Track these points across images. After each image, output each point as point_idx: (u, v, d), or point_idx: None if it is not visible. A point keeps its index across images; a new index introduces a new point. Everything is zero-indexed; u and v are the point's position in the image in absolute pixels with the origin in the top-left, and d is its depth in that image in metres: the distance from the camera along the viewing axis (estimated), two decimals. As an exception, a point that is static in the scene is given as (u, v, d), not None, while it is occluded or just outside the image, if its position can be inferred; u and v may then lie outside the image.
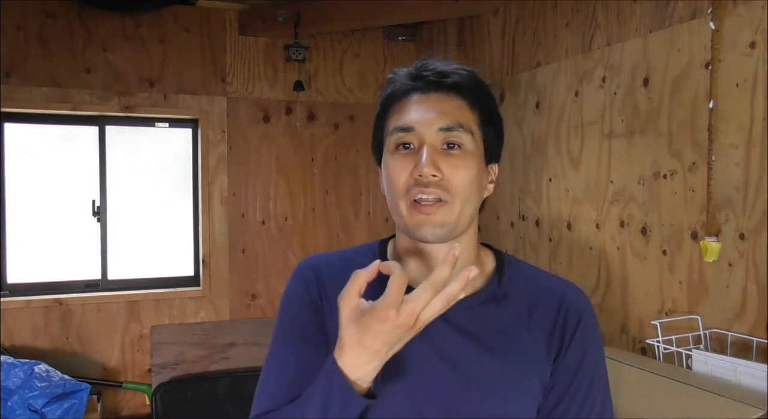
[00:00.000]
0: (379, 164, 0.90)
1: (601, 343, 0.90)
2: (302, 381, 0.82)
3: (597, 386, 0.86)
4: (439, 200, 0.81)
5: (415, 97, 0.85)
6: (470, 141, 0.84)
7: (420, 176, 0.80)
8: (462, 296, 0.79)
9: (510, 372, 0.84)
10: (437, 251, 0.86)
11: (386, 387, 0.86)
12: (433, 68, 0.86)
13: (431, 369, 0.85)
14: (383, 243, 0.97)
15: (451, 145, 0.83)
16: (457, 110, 0.84)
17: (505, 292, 0.89)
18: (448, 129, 0.83)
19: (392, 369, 0.86)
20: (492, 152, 0.89)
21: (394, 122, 0.85)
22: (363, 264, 0.92)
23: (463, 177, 0.82)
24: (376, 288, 0.90)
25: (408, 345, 0.86)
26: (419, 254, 0.88)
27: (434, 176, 0.80)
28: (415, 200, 0.81)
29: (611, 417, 0.88)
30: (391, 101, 0.87)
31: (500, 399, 0.83)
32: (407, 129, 0.83)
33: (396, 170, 0.83)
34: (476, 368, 0.84)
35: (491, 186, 0.91)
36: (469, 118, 0.85)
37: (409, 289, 0.88)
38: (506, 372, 0.84)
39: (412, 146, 0.83)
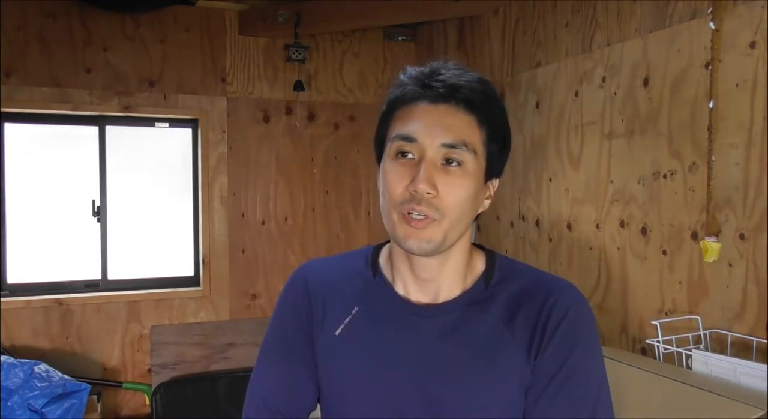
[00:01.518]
0: (378, 163, 0.90)
1: (593, 343, 0.86)
2: (282, 396, 0.94)
3: (584, 388, 0.83)
4: (429, 218, 0.80)
5: (423, 106, 0.83)
6: (472, 160, 0.82)
7: (415, 191, 0.80)
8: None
9: (488, 376, 0.84)
10: (425, 262, 0.87)
11: (365, 390, 0.87)
12: (444, 79, 0.82)
13: (410, 371, 0.85)
14: (377, 249, 0.97)
15: (451, 161, 0.81)
16: (465, 126, 0.82)
17: (490, 295, 0.88)
18: (451, 146, 0.81)
19: (371, 372, 0.87)
20: (494, 168, 0.87)
21: (398, 127, 0.84)
22: (356, 271, 0.95)
23: (457, 197, 0.81)
24: (363, 294, 0.92)
25: (388, 348, 0.87)
26: (410, 263, 0.88)
27: (428, 193, 0.80)
28: (406, 214, 0.81)
29: None
30: (398, 105, 0.85)
31: (478, 402, 0.83)
32: (409, 139, 0.82)
33: (393, 180, 0.82)
34: (455, 371, 0.84)
35: (487, 202, 0.89)
36: (475, 136, 0.83)
37: (403, 300, 0.90)
38: (484, 375, 0.84)
39: (411, 156, 0.82)
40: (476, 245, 0.94)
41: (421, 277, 0.88)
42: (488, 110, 0.84)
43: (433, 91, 0.82)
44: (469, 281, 0.90)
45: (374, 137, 0.91)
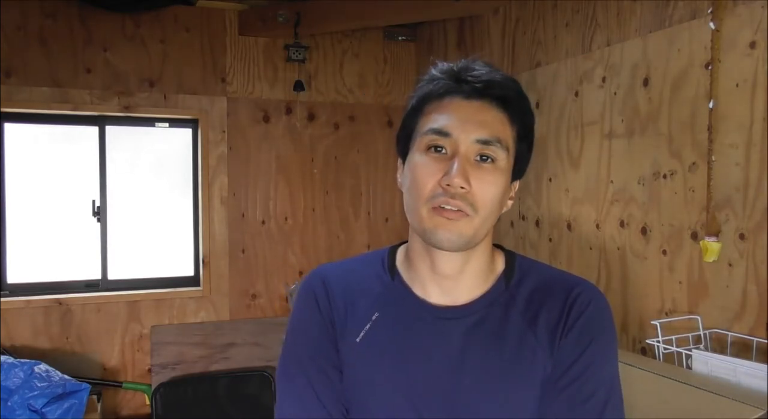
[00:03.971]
0: (402, 157, 0.88)
1: (610, 341, 0.86)
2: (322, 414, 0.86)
3: (593, 386, 0.82)
4: (461, 211, 0.79)
5: (456, 100, 0.82)
6: (504, 157, 0.82)
7: (448, 185, 0.78)
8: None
9: (514, 375, 0.83)
10: (448, 259, 0.85)
11: (388, 397, 0.86)
12: (478, 75, 0.82)
13: (433, 371, 0.85)
14: (392, 251, 0.95)
15: (484, 157, 0.81)
16: (498, 123, 0.82)
17: (511, 295, 0.87)
18: (486, 142, 0.80)
19: (395, 378, 0.86)
20: (520, 168, 0.87)
21: (431, 122, 0.82)
22: (373, 275, 0.93)
23: (489, 193, 0.80)
24: (381, 299, 0.91)
25: (411, 353, 0.86)
26: (431, 261, 0.87)
27: (462, 188, 0.78)
28: (438, 206, 0.80)
29: None
30: (429, 98, 0.84)
31: (502, 402, 0.83)
32: (443, 133, 0.80)
33: (424, 174, 0.81)
34: (478, 371, 0.84)
35: (510, 203, 0.89)
36: (508, 133, 0.83)
37: (423, 303, 0.88)
38: (509, 375, 0.83)
39: (444, 151, 0.81)
40: (495, 245, 0.93)
41: (442, 276, 0.86)
42: (520, 108, 0.84)
43: (468, 86, 0.82)
44: (490, 281, 0.88)
45: (398, 132, 0.89)
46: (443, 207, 0.79)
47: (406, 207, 0.85)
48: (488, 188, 0.80)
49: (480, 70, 0.83)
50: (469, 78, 0.82)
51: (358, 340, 0.88)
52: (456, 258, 0.85)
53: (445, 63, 0.86)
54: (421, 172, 0.81)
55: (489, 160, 0.81)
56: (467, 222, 0.80)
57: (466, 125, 0.80)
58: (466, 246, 0.82)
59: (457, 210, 0.79)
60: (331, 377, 0.89)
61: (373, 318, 0.89)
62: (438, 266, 0.86)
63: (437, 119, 0.81)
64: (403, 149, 0.88)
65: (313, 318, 0.92)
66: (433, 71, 0.86)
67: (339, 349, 0.90)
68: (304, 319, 0.93)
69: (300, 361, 0.90)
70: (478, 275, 0.88)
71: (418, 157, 0.83)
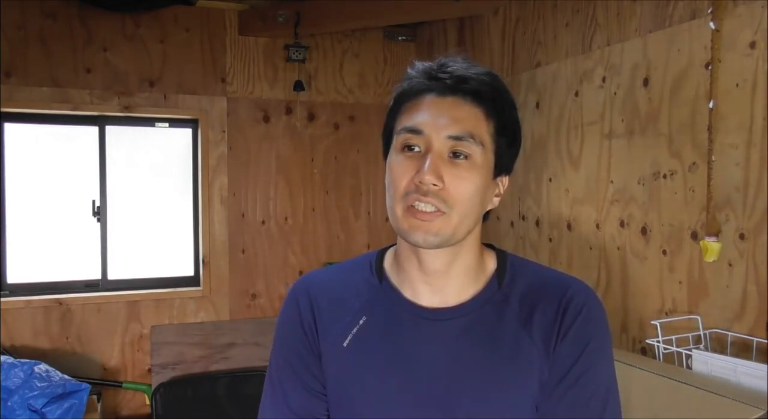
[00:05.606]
0: (386, 157, 0.88)
1: (606, 341, 0.85)
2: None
3: (593, 388, 0.82)
4: (437, 211, 0.79)
5: (429, 98, 0.82)
6: (479, 153, 0.80)
7: (420, 182, 0.78)
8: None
9: (509, 376, 0.83)
10: (434, 257, 0.84)
11: (378, 401, 0.86)
12: (451, 71, 0.82)
13: (425, 373, 0.84)
14: (380, 254, 0.94)
15: (458, 154, 0.80)
16: (472, 117, 0.81)
17: (504, 295, 0.86)
18: (458, 138, 0.79)
19: (384, 382, 0.85)
20: (503, 164, 0.85)
21: (405, 121, 0.82)
22: (360, 279, 0.92)
23: (464, 189, 0.79)
24: (369, 303, 0.90)
25: (401, 356, 0.85)
26: (418, 259, 0.86)
27: (435, 185, 0.78)
28: (411, 206, 0.79)
29: None
30: (405, 98, 0.84)
31: (498, 402, 0.82)
32: (415, 131, 0.80)
33: (398, 172, 0.81)
34: (474, 372, 0.83)
35: (497, 200, 0.87)
36: (483, 128, 0.81)
37: (413, 305, 0.87)
38: (505, 375, 0.83)
39: (418, 149, 0.80)
40: (486, 245, 0.92)
41: (430, 274, 0.86)
42: (496, 102, 0.83)
43: (440, 83, 0.81)
44: (482, 282, 0.88)
45: (381, 132, 0.89)
46: (415, 207, 0.79)
47: (387, 206, 0.85)
48: (463, 185, 0.79)
49: (455, 66, 0.82)
50: (442, 75, 0.82)
51: (345, 344, 0.88)
52: (442, 255, 0.84)
53: (423, 62, 0.86)
54: (396, 171, 0.81)
55: (462, 156, 0.80)
56: (444, 220, 0.79)
57: (438, 122, 0.79)
58: (447, 243, 0.81)
59: (433, 211, 0.78)
60: (305, 383, 0.90)
61: (361, 322, 0.88)
62: (425, 263, 0.86)
63: (411, 118, 0.81)
64: (385, 149, 0.88)
65: (293, 328, 0.92)
66: (409, 70, 0.86)
67: (324, 356, 0.89)
68: (285, 328, 0.94)
69: (278, 366, 0.93)
70: (468, 274, 0.87)
71: (394, 156, 0.83)
